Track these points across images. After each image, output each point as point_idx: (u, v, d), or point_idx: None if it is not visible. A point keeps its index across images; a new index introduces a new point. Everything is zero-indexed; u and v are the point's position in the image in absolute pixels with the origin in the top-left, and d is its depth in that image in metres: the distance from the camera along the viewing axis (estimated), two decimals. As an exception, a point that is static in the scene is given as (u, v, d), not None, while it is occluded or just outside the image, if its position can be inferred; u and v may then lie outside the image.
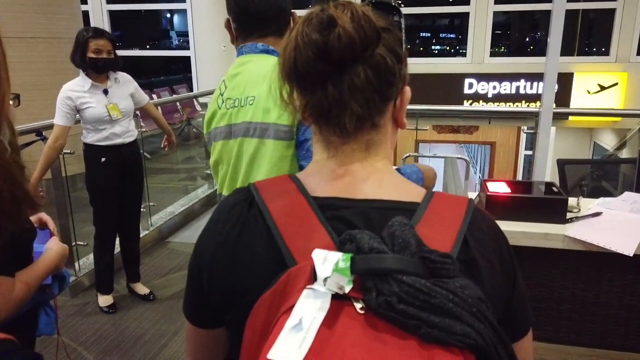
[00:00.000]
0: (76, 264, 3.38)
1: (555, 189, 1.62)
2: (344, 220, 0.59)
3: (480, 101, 8.29)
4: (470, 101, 8.32)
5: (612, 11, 7.84)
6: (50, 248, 1.27)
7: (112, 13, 9.77)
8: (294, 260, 0.55)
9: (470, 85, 8.29)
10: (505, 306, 0.63)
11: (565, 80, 7.70)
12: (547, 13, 2.60)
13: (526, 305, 0.68)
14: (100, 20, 9.58)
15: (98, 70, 2.80)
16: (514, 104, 8.16)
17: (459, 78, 8.30)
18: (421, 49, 10.26)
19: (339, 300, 0.49)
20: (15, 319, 1.17)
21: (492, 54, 8.49)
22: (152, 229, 4.15)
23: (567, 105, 7.77)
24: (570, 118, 8.03)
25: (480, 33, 8.26)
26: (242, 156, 1.28)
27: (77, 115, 2.84)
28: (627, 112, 6.36)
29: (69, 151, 3.33)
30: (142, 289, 3.25)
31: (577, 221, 1.57)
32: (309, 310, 0.48)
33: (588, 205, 1.69)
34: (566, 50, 8.26)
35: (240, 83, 1.27)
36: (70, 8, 5.37)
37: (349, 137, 0.63)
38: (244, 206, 0.63)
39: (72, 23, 5.39)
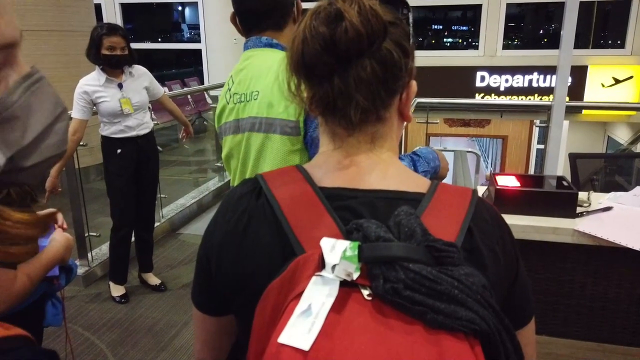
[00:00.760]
0: (89, 255, 3.43)
1: (565, 183, 1.61)
2: (350, 209, 0.60)
3: (492, 94, 8.22)
4: (482, 94, 8.26)
5: (627, 3, 7.71)
6: (55, 239, 1.28)
7: (124, 6, 9.83)
8: (302, 248, 0.56)
9: (482, 79, 8.22)
10: (507, 295, 0.64)
11: (579, 73, 7.60)
12: (562, 5, 2.56)
13: (528, 295, 0.69)
14: (113, 13, 9.63)
15: (112, 66, 2.85)
16: (526, 97, 8.08)
17: (471, 71, 8.23)
18: (433, 41, 10.18)
19: (346, 287, 0.51)
20: (23, 310, 1.19)
21: (505, 47, 8.40)
22: (163, 220, 4.19)
23: (580, 98, 7.68)
24: (584, 112, 7.93)
25: (493, 25, 8.17)
26: (250, 150, 1.29)
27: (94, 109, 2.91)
28: (642, 106, 6.27)
29: (82, 143, 3.37)
30: (153, 279, 3.30)
31: (587, 216, 1.56)
32: (317, 296, 0.50)
33: (599, 199, 1.68)
34: (580, 43, 8.15)
35: (246, 78, 1.28)
36: (83, 1, 5.41)
37: (354, 129, 0.64)
38: (251, 196, 0.64)
39: (85, 16, 5.44)
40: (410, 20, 0.69)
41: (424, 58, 8.44)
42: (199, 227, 4.39)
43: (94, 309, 3.03)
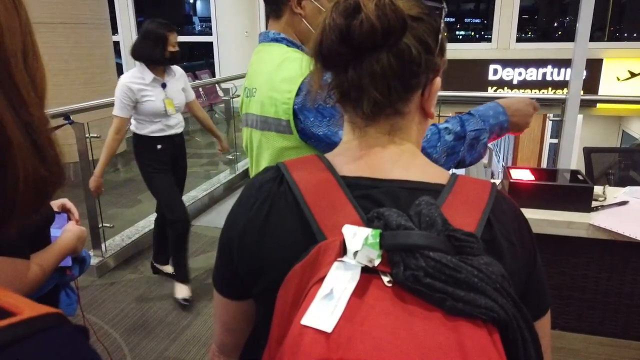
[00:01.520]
0: (102, 245, 3.47)
1: (580, 177, 1.60)
2: (371, 199, 0.61)
3: (505, 88, 8.14)
4: (494, 88, 8.18)
5: (645, -5, 7.57)
6: (68, 230, 1.29)
7: (136, -2, 9.85)
8: (323, 235, 0.57)
9: (495, 72, 8.14)
10: (524, 286, 0.64)
11: (594, 67, 7.50)
12: (577, -3, 2.53)
13: (545, 287, 0.69)
14: (125, 6, 9.67)
15: (176, 62, 2.84)
16: (540, 90, 7.99)
17: (484, 64, 8.15)
18: (445, 34, 10.08)
19: (367, 273, 0.52)
20: (37, 300, 1.21)
21: (518, 40, 8.30)
22: (175, 212, 4.22)
23: (595, 92, 7.58)
24: (599, 105, 7.83)
25: (506, 18, 8.07)
26: (252, 145, 1.31)
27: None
28: (658, 100, 6.16)
29: (95, 135, 3.40)
30: (169, 268, 3.28)
31: (602, 210, 1.54)
32: (339, 281, 0.51)
33: (614, 194, 1.66)
34: (595, 36, 8.04)
35: (252, 73, 1.29)
36: (95, -6, 5.44)
37: (372, 121, 0.65)
38: (273, 183, 0.65)
39: (97, 9, 5.47)
40: (444, 16, 0.68)
41: (436, 51, 8.35)
42: (210, 219, 4.42)
43: (107, 299, 3.07)
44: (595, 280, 1.63)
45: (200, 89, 8.20)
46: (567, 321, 1.68)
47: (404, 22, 0.59)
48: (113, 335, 2.70)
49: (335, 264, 0.52)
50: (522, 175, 1.60)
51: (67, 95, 4.82)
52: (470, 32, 10.17)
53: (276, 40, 1.25)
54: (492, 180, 1.80)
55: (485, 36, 8.88)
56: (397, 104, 0.64)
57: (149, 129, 2.85)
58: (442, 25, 0.65)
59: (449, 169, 0.90)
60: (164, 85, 2.83)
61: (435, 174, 0.66)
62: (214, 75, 9.23)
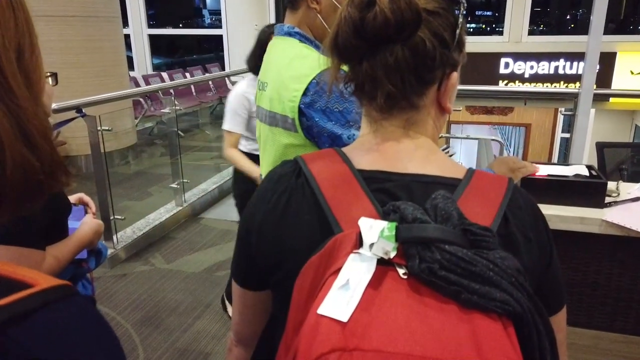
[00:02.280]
0: (114, 237, 3.50)
1: (593, 173, 1.58)
2: (387, 192, 0.62)
3: (517, 81, 8.06)
4: (506, 81, 8.10)
5: (660, -13, 7.44)
6: (85, 223, 1.31)
7: (146, -9, 9.85)
8: (339, 227, 0.58)
9: (507, 65, 8.06)
10: (540, 281, 0.65)
11: (607, 60, 7.39)
12: (591, -11, 2.49)
13: (561, 283, 0.70)
14: (135, -2, 9.67)
15: None
16: (552, 84, 7.90)
17: (495, 57, 8.07)
18: (464, 29, 9.99)
19: (383, 265, 0.52)
20: None
21: (530, 32, 8.20)
22: (185, 205, 4.26)
23: (608, 86, 7.48)
24: (611, 100, 7.73)
25: (518, 10, 7.98)
26: (260, 139, 1.32)
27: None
28: (672, 94, 6.08)
29: (107, 128, 3.43)
30: None
31: (615, 206, 1.53)
32: (355, 272, 0.51)
33: (628, 189, 1.65)
34: (609, 28, 7.92)
35: (265, 67, 1.29)
36: (106, -14, 5.45)
37: (388, 114, 0.66)
38: (291, 176, 0.66)
39: (109, 2, 5.49)
40: (463, 9, 0.67)
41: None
42: (220, 212, 4.45)
43: (119, 290, 3.11)
44: (607, 277, 1.62)
45: (210, 82, 8.22)
46: (578, 317, 1.67)
47: (419, 16, 0.59)
48: (124, 326, 2.74)
49: (352, 255, 0.53)
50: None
51: (79, 88, 4.85)
52: (481, 25, 10.07)
53: (290, 34, 1.24)
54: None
55: (497, 29, 8.79)
56: (411, 97, 0.64)
57: (252, 147, 2.47)
58: (461, 20, 0.65)
59: None
60: None
61: (452, 169, 0.66)
62: (223, 69, 9.23)
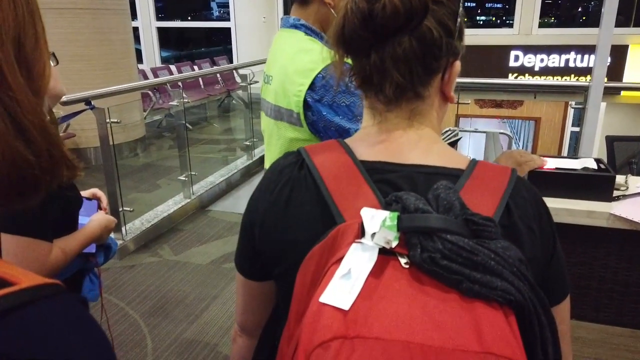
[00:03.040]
0: (123, 229, 3.53)
1: (602, 166, 1.57)
2: (389, 183, 0.62)
3: (527, 74, 7.98)
4: (515, 74, 8.03)
5: (674, -22, 7.32)
6: (94, 219, 1.32)
7: (155, -16, 9.86)
8: (342, 217, 0.58)
9: (517, 58, 7.98)
10: (543, 272, 0.65)
11: (618, 53, 7.30)
12: (603, -19, 2.46)
13: (564, 273, 0.69)
14: (144, -9, 9.69)
15: None
16: (562, 77, 7.82)
17: (505, 50, 8.00)
18: (465, 19, 9.89)
19: (385, 255, 0.53)
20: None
21: (541, 25, 8.11)
22: (193, 197, 4.28)
23: (619, 79, 7.39)
24: (623, 93, 7.64)
25: (528, 2, 7.89)
26: (265, 132, 1.31)
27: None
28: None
29: (115, 120, 3.45)
30: None
31: (624, 199, 1.52)
32: (357, 261, 0.52)
33: (637, 183, 1.63)
34: (621, 21, 7.81)
35: (270, 60, 1.28)
36: (115, -21, 5.46)
37: (393, 105, 0.66)
38: (294, 167, 0.67)
39: (118, -6, 5.49)
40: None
41: (455, 37, 8.21)
42: (227, 205, 4.47)
43: (128, 281, 3.14)
44: (615, 271, 1.61)
45: (218, 75, 8.23)
46: (585, 311, 1.67)
47: (426, 4, 0.59)
48: (133, 317, 2.77)
49: (354, 245, 0.53)
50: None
51: (88, 80, 4.88)
52: (491, 17, 9.98)
53: (295, 27, 1.23)
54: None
55: (507, 21, 8.69)
56: (418, 87, 0.64)
57: None
58: (461, 9, 0.65)
59: None
60: None
61: (455, 159, 0.66)
62: (231, 61, 9.24)
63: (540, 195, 0.68)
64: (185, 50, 11.41)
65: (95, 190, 1.45)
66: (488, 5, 10.07)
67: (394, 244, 0.52)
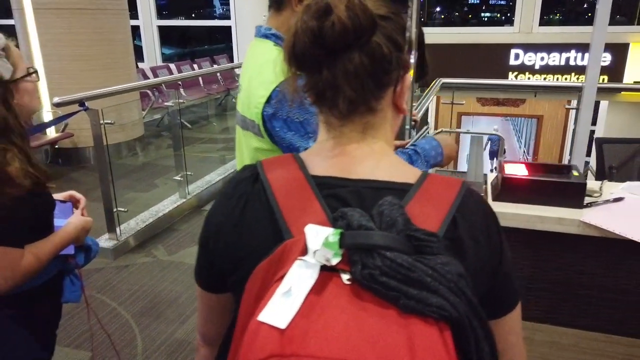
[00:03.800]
0: (117, 229, 3.57)
1: (576, 173, 1.58)
2: (338, 198, 0.63)
3: (527, 73, 7.94)
4: (515, 73, 7.99)
5: (677, -25, 7.24)
6: (71, 221, 1.33)
7: (157, -18, 9.88)
8: (290, 233, 0.59)
9: (517, 56, 7.94)
10: (491, 282, 0.66)
11: (619, 51, 7.24)
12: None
13: (513, 283, 0.70)
14: (146, -11, 9.70)
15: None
16: (562, 76, 7.77)
17: (505, 48, 7.96)
18: (470, 16, 9.87)
19: (328, 271, 0.54)
20: (41, 286, 1.27)
21: (546, 22, 8.05)
22: (189, 197, 4.31)
23: (620, 78, 7.33)
24: (623, 92, 7.59)
25: (529, 1, 7.84)
26: (236, 141, 1.34)
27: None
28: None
29: (109, 121, 3.48)
30: None
31: (595, 206, 1.53)
32: (299, 279, 0.53)
33: (612, 189, 1.64)
34: (622, 19, 7.75)
35: (242, 69, 1.30)
36: (114, -21, 5.48)
37: (346, 119, 0.67)
38: (249, 182, 0.68)
39: (116, -5, 5.52)
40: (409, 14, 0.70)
41: (455, 35, 8.19)
42: (223, 204, 4.49)
43: (121, 281, 3.17)
44: (591, 276, 1.62)
45: (218, 74, 8.25)
46: (561, 316, 1.68)
47: (374, 21, 0.61)
48: (125, 317, 2.80)
49: (297, 262, 0.54)
50: (517, 169, 1.59)
51: (86, 80, 4.92)
52: (496, 14, 9.92)
53: (265, 36, 1.25)
54: (495, 173, 1.80)
55: (512, 18, 8.65)
56: (370, 102, 0.66)
57: None
58: (408, 23, 0.67)
59: None
60: None
61: (404, 173, 0.67)
62: (231, 60, 9.25)
63: (489, 207, 0.69)
64: (188, 48, 11.44)
65: (72, 193, 1.46)
66: (492, 2, 10.01)
67: (334, 261, 0.53)
